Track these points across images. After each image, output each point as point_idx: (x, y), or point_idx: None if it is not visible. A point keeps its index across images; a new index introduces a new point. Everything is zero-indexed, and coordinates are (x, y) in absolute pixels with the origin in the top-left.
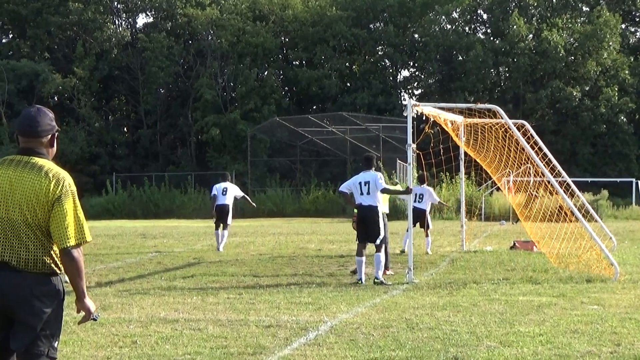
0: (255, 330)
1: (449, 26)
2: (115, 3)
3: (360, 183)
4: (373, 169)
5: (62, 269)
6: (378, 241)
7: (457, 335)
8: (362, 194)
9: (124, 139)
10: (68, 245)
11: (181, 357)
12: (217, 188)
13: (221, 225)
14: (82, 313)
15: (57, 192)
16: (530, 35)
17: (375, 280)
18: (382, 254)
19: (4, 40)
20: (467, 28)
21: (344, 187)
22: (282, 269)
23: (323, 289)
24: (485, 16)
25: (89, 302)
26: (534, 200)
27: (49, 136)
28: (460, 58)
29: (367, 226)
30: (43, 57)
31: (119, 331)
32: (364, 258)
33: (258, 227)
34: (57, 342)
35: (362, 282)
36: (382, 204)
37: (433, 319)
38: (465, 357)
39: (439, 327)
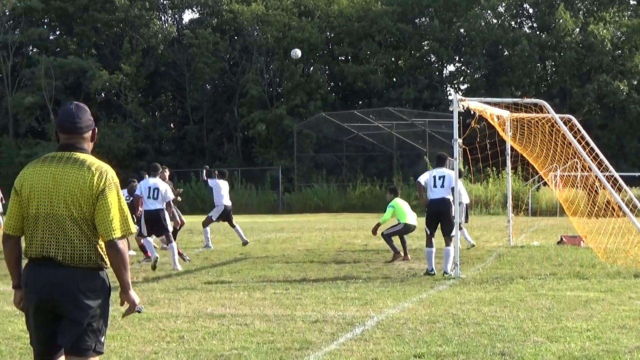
0: (302, 325)
1: (494, 20)
2: (162, 0)
3: (435, 177)
4: (445, 167)
5: (106, 264)
6: (453, 234)
7: (504, 330)
8: (435, 186)
9: (170, 135)
10: (114, 237)
11: (228, 352)
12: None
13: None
14: (127, 305)
15: (101, 185)
16: (577, 29)
17: (445, 274)
18: (451, 248)
19: (51, 37)
20: (513, 22)
21: (422, 179)
22: (329, 264)
23: (369, 284)
24: (531, 10)
25: (133, 294)
26: (594, 196)
27: (90, 132)
28: (506, 52)
29: (441, 219)
30: (90, 54)
31: (166, 326)
32: (434, 249)
33: (304, 222)
34: (103, 337)
35: (434, 273)
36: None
37: (480, 314)
38: (512, 352)
39: (485, 323)
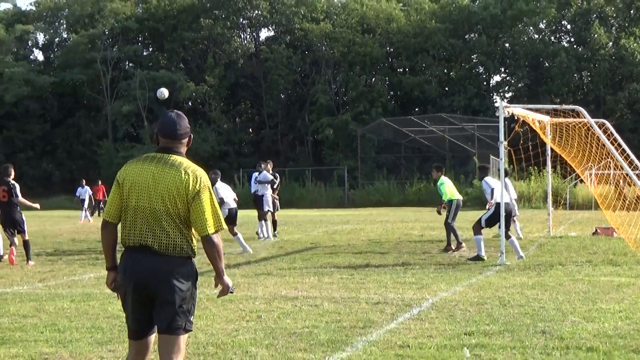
0: (365, 306)
1: (536, 36)
2: (241, 19)
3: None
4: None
5: (194, 254)
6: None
7: (545, 311)
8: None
9: (249, 139)
10: (209, 232)
11: (300, 330)
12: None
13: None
14: (220, 288)
15: (197, 187)
16: (610, 43)
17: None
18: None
19: (144, 54)
20: (552, 37)
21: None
22: (389, 253)
23: (425, 270)
24: (569, 26)
25: (227, 278)
26: (620, 192)
27: (187, 138)
28: (546, 64)
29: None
30: (178, 68)
31: (245, 307)
32: (482, 236)
33: (367, 215)
34: (192, 317)
35: (484, 259)
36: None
37: (523, 297)
38: (552, 331)
39: (528, 304)
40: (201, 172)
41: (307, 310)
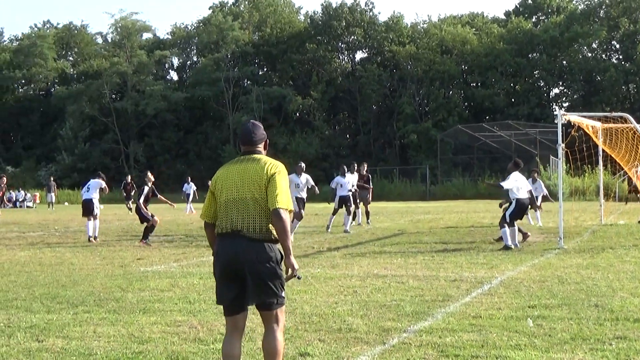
0: (444, 283)
1: (589, 54)
2: (340, 44)
3: (519, 181)
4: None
5: (277, 239)
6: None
7: (597, 288)
8: (522, 189)
9: (346, 143)
10: (277, 206)
11: (389, 303)
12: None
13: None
14: (289, 271)
15: (273, 170)
16: None
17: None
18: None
19: (260, 73)
20: (603, 55)
21: (507, 185)
22: (464, 238)
23: (495, 253)
24: (617, 45)
25: (293, 259)
26: None
27: (263, 142)
28: (598, 78)
29: (524, 214)
30: (288, 84)
31: (343, 283)
32: (515, 228)
33: (445, 206)
34: (283, 292)
35: (512, 247)
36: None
37: (578, 276)
38: (604, 304)
39: (583, 282)
40: (278, 163)
41: (395, 287)
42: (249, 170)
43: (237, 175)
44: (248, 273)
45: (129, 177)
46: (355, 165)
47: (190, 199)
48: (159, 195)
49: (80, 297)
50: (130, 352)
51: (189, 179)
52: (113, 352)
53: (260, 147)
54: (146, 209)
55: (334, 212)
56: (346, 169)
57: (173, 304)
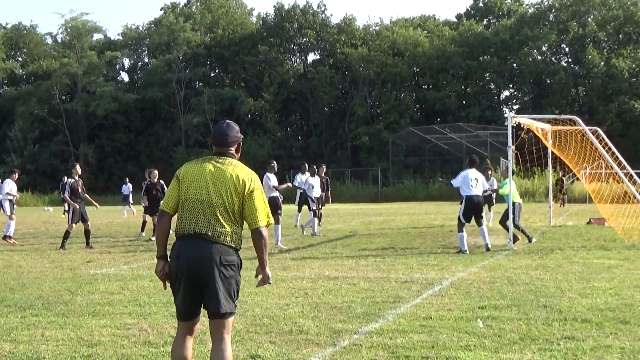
0: (395, 285)
1: (539, 57)
2: (292, 45)
3: (470, 178)
4: (475, 169)
5: (240, 247)
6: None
7: (546, 288)
8: (473, 187)
9: (298, 145)
10: (259, 225)
11: (340, 304)
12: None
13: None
14: (261, 277)
15: (251, 186)
16: (602, 63)
17: (488, 248)
18: (484, 227)
19: (211, 74)
20: (553, 58)
21: (456, 182)
22: (415, 240)
23: (445, 254)
24: (567, 49)
25: (268, 270)
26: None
27: (236, 145)
28: (548, 81)
29: (478, 211)
30: (240, 86)
31: (295, 285)
32: (465, 234)
33: (397, 208)
34: (236, 300)
35: (467, 252)
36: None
37: (527, 277)
38: (552, 305)
39: (532, 283)
40: (254, 174)
41: (346, 288)
42: (224, 175)
43: (210, 177)
44: (210, 277)
45: (66, 178)
46: (315, 168)
47: (131, 199)
48: (84, 193)
49: (28, 300)
50: (79, 355)
51: (127, 180)
52: (62, 356)
53: (233, 149)
54: (76, 203)
55: (300, 210)
56: (309, 169)
57: (123, 307)
